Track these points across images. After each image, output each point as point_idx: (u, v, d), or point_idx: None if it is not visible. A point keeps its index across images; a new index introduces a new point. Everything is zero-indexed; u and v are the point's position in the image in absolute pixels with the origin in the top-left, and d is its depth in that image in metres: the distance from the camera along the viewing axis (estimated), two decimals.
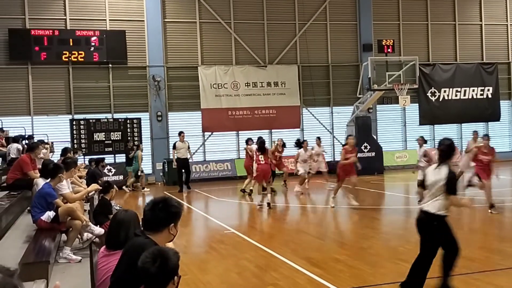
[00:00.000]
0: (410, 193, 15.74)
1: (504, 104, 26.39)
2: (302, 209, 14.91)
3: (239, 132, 23.10)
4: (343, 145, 14.91)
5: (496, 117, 26.08)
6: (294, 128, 23.19)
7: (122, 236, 4.15)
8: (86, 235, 7.56)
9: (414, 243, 10.08)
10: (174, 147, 18.81)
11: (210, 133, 22.78)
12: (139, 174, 19.61)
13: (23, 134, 16.77)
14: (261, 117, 23.04)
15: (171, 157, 19.63)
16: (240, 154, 23.01)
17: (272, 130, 23.28)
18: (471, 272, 7.38)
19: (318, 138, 18.97)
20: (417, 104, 24.87)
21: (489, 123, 26.19)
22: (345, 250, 9.41)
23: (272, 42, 23.36)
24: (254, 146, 15.66)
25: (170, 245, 4.01)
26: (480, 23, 26.15)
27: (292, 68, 23.47)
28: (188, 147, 18.97)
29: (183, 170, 18.78)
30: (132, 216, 4.42)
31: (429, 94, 25.06)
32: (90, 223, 7.31)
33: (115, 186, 9.10)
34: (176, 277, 3.18)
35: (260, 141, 14.57)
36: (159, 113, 21.83)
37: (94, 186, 8.55)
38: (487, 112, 25.91)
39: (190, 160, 19.15)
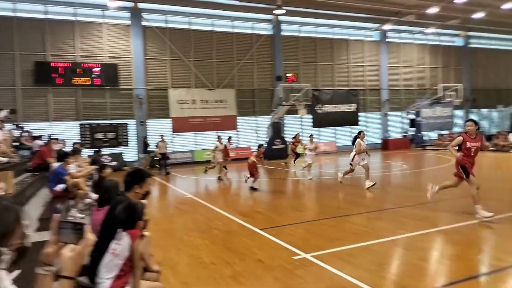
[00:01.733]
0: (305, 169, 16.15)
1: (361, 115, 27.47)
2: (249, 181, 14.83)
3: (196, 132, 22.87)
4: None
5: (356, 123, 27.09)
6: (232, 130, 23.21)
7: (106, 197, 4.04)
8: (88, 200, 7.28)
9: (307, 199, 10.44)
10: (157, 146, 17.96)
11: (177, 133, 22.33)
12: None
13: (44, 134, 15.88)
14: (211, 123, 22.87)
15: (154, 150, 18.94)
16: (197, 147, 22.83)
17: (218, 131, 23.14)
18: (346, 215, 7.70)
19: (311, 135, 14.97)
20: (311, 115, 25.50)
21: (352, 126, 27.22)
22: (264, 206, 9.57)
23: (218, 73, 23.23)
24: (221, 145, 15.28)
25: (145, 201, 3.92)
26: (347, 64, 27.16)
27: (232, 90, 23.44)
28: (166, 146, 18.07)
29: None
30: (113, 184, 4.28)
31: (317, 108, 25.75)
32: (89, 192, 7.03)
33: (109, 167, 8.74)
34: (141, 221, 3.14)
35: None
36: (141, 120, 21.18)
37: (92, 167, 8.23)
38: (352, 119, 26.93)
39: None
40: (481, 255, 5.39)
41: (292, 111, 23.74)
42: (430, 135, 28.58)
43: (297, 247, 5.71)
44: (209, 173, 16.08)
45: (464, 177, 7.20)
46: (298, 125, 25.74)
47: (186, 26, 22.60)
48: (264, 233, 6.69)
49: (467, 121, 7.63)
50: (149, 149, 19.93)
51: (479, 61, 32.18)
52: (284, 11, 23.38)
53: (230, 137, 16.54)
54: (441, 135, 27.71)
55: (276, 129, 23.71)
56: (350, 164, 11.58)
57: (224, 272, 4.94)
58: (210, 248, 6.01)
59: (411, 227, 6.63)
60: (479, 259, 5.19)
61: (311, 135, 15.07)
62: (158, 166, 18.61)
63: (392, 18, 25.87)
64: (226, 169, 15.51)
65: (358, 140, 11.56)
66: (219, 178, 14.56)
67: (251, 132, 24.28)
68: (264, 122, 24.29)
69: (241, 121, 23.94)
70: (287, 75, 24.59)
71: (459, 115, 30.78)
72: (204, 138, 23.10)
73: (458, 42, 31.64)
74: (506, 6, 23.49)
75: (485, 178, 13.20)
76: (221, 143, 15.45)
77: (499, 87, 32.88)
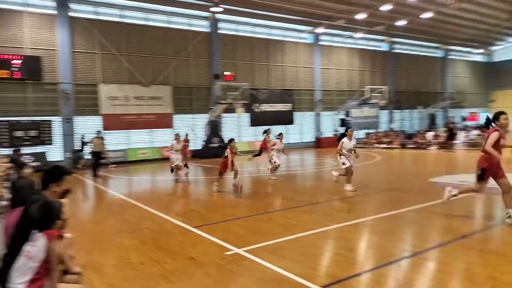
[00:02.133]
0: (244, 167, 16.23)
1: (296, 114, 28.24)
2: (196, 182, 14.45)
3: (129, 130, 21.97)
4: (486, 128, 6.40)
5: (291, 122, 27.87)
6: (167, 128, 22.68)
7: (19, 197, 3.70)
8: (3, 203, 6.65)
9: (243, 196, 10.44)
10: (91, 142, 15.87)
11: (109, 131, 21.19)
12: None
13: None
14: (145, 120, 22.11)
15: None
16: (130, 145, 21.95)
17: (152, 129, 22.53)
18: (278, 210, 7.88)
19: (281, 134, 13.69)
20: (249, 113, 25.68)
21: (288, 125, 27.94)
22: (200, 204, 9.48)
23: (153, 69, 22.48)
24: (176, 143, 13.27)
25: (65, 200, 3.69)
26: (283, 64, 27.84)
27: (167, 87, 22.84)
28: (103, 143, 16.12)
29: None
30: (27, 183, 3.93)
31: (254, 107, 26.00)
32: (5, 194, 6.41)
33: (29, 166, 8.08)
34: (59, 220, 2.96)
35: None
36: (67, 117, 19.82)
37: (6, 165, 7.53)
38: (288, 119, 27.64)
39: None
40: (399, 242, 5.84)
41: (230, 109, 23.72)
42: (359, 134, 30.34)
43: (230, 243, 5.73)
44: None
45: (478, 178, 6.34)
46: (235, 123, 25.84)
47: (117, 19, 21.60)
48: (197, 231, 6.62)
49: (500, 113, 6.22)
50: (86, 147, 18.66)
51: (402, 66, 34.87)
52: (221, 9, 23.34)
53: (187, 134, 15.52)
54: (368, 133, 29.57)
55: (214, 128, 23.59)
56: (343, 163, 9.97)
57: (154, 272, 4.81)
58: (140, 249, 5.81)
59: (338, 219, 6.99)
60: (397, 246, 5.61)
61: (281, 133, 13.61)
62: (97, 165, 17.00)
63: (324, 22, 27.04)
64: (188, 167, 14.64)
65: (343, 139, 9.99)
66: (177, 180, 13.02)
67: (188, 131, 23.87)
68: (201, 120, 24.01)
69: (178, 119, 23.44)
70: (225, 73, 24.55)
71: (384, 115, 33.11)
72: (138, 136, 22.30)
73: (384, 47, 33.99)
74: (425, 15, 25.73)
75: (403, 172, 14.35)
76: (179, 141, 13.50)
77: (419, 90, 35.94)
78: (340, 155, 9.92)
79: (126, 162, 20.86)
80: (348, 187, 9.84)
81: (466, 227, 6.31)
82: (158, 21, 22.87)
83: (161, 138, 22.94)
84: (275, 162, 12.64)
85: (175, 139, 13.49)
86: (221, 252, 5.40)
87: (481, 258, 4.84)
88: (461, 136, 22.93)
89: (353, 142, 10.05)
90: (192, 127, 23.99)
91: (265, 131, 14.28)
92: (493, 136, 6.08)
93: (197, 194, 11.26)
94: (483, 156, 6.29)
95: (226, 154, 10.52)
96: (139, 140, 22.33)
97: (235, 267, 4.84)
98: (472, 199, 8.45)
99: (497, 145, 6.10)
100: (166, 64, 22.87)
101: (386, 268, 4.70)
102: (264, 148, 14.74)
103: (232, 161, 10.46)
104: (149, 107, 22.21)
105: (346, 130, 10.23)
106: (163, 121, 22.62)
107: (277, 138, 13.26)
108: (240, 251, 5.39)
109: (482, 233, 6.05)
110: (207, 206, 9.18)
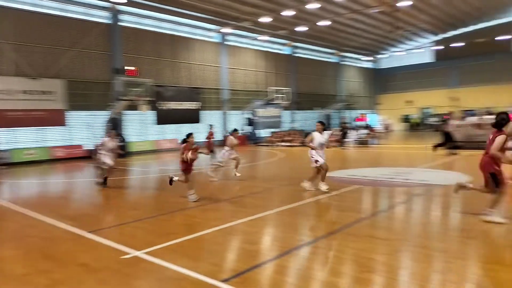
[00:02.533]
0: (147, 167, 15.63)
1: (204, 113, 28.07)
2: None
3: (15, 128, 19.48)
4: (498, 130, 5.86)
5: (197, 120, 27.42)
6: (59, 125, 20.68)
7: None
8: None
9: (145, 197, 9.99)
10: None
11: None
12: None
13: None
14: (33, 117, 19.81)
15: None
16: (16, 145, 19.47)
17: (42, 127, 20.32)
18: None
19: (235, 130, 12.30)
20: (154, 111, 24.70)
21: (195, 124, 27.55)
22: (97, 207, 8.80)
23: (45, 61, 20.27)
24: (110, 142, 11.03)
25: None
26: (190, 62, 27.46)
27: (60, 81, 20.76)
28: None
29: None
30: None
31: (160, 105, 25.13)
32: None
33: None
34: None
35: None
36: None
37: None
38: (194, 117, 27.18)
39: None
40: (296, 234, 6.16)
41: (133, 106, 22.59)
42: (264, 133, 31.42)
43: (128, 246, 5.42)
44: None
45: (494, 186, 5.83)
46: (139, 121, 24.70)
47: (1, 3, 18.95)
48: (92, 235, 6.13)
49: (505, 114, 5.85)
50: None
51: (303, 69, 37.09)
52: (124, 1, 22.03)
53: (113, 129, 13.21)
54: (272, 133, 30.81)
55: (115, 126, 22.14)
56: (316, 161, 8.96)
57: (40, 282, 4.32)
58: (24, 259, 5.16)
59: (241, 214, 7.11)
60: (294, 237, 5.92)
61: (236, 129, 12.21)
62: None
63: (231, 22, 27.36)
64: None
65: (312, 133, 9.01)
66: (104, 184, 10.91)
67: (85, 128, 22.06)
68: (100, 117, 22.35)
69: (72, 115, 21.52)
70: (127, 68, 23.20)
71: (286, 115, 34.83)
72: (25, 135, 19.91)
73: (287, 50, 35.73)
74: (322, 23, 27.71)
75: (301, 168, 15.26)
76: (113, 139, 11.22)
77: (317, 92, 38.64)
78: (312, 148, 8.91)
79: (10, 164, 18.42)
80: (323, 187, 8.93)
81: (355, 216, 6.93)
82: (50, 8, 20.67)
83: (52, 137, 20.87)
84: (219, 162, 11.63)
85: (108, 136, 11.20)
86: (118, 256, 5.08)
87: (368, 244, 5.34)
88: (352, 135, 25.22)
89: (326, 136, 9.07)
90: (90, 125, 22.23)
91: (210, 127, 14.63)
92: (500, 139, 5.76)
93: (93, 197, 10.46)
94: (488, 161, 5.91)
95: (183, 151, 8.67)
96: (26, 139, 19.96)
97: (132, 271, 4.59)
98: (360, 192, 9.33)
99: (503, 150, 5.86)
100: (59, 56, 20.81)
101: (283, 258, 4.92)
102: (210, 143, 14.68)
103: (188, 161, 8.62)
104: (38, 102, 19.96)
105: (317, 124, 9.16)
106: (54, 118, 20.54)
107: (232, 135, 11.94)
108: (138, 253, 5.13)
109: (368, 220, 6.70)
110: (105, 209, 8.59)
